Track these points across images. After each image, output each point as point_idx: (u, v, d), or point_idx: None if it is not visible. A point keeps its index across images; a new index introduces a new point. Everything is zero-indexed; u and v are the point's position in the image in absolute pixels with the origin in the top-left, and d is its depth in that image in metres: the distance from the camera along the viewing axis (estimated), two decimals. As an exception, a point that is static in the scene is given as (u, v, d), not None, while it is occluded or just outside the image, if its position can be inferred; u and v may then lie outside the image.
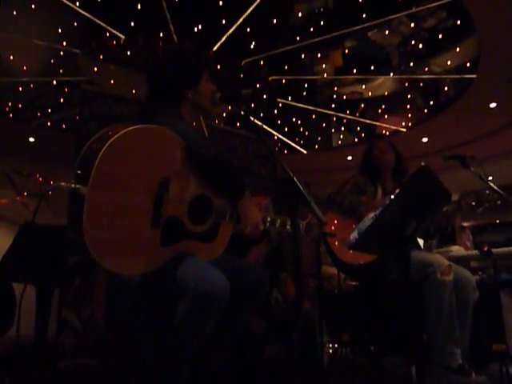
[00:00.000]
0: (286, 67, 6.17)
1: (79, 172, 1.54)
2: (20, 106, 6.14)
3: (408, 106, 6.92)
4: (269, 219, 1.91)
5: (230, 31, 5.31)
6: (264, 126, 6.92)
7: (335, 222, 2.64)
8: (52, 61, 5.50)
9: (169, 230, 1.64)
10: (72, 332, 3.06)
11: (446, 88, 6.49)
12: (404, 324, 2.20)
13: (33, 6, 4.76)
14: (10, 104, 6.09)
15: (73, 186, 1.49)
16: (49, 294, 3.72)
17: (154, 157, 1.63)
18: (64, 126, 6.51)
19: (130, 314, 1.79)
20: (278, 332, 2.83)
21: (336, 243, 2.59)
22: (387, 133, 7.39)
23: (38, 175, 7.29)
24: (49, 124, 6.49)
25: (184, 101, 1.89)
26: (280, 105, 6.92)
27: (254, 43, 5.55)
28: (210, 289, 1.53)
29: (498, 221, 8.12)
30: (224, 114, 5.54)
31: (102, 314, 2.71)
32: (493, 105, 6.32)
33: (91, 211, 1.47)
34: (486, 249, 3.64)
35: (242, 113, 1.89)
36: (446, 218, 2.70)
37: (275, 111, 7.00)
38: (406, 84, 6.58)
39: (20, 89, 5.82)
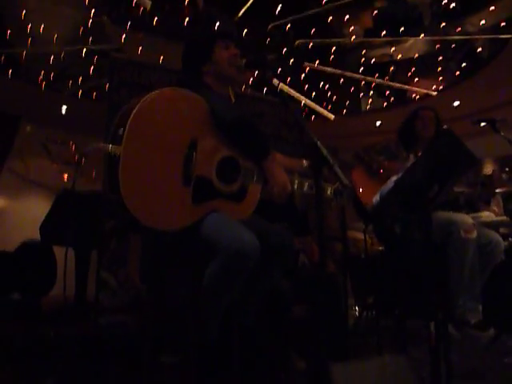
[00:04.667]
0: (313, 30, 6.04)
1: (115, 134, 1.63)
2: (52, 75, 6.26)
3: (439, 69, 6.71)
4: (296, 182, 1.96)
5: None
6: (291, 91, 6.85)
7: (359, 184, 2.68)
8: (81, 30, 5.57)
9: (199, 189, 1.72)
10: (110, 291, 3.23)
11: (479, 49, 6.25)
12: (426, 285, 2.25)
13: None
14: (42, 74, 6.21)
15: (110, 146, 1.59)
16: (87, 256, 3.93)
17: (183, 118, 1.72)
18: (95, 95, 6.63)
19: (163, 272, 1.90)
20: (304, 294, 2.92)
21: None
22: (417, 96, 7.21)
23: (70, 143, 7.51)
24: (80, 93, 6.61)
25: (204, 73, 1.97)
26: (307, 69, 6.82)
27: (280, 7, 5.45)
28: (241, 248, 1.60)
29: (530, 186, 7.90)
30: (251, 80, 5.53)
31: (137, 273, 2.86)
32: (529, 65, 6.07)
33: (126, 167, 1.57)
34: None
35: (266, 77, 1.93)
36: (478, 193, 2.73)
37: (302, 76, 6.90)
38: (438, 46, 6.35)
39: (52, 58, 5.93)
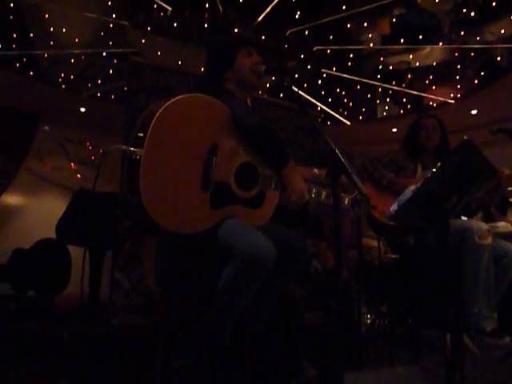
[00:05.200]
0: (331, 37, 6.06)
1: (137, 137, 1.65)
2: (72, 77, 6.36)
3: (457, 77, 6.66)
4: (314, 190, 1.96)
5: (275, 1, 5.26)
6: (308, 97, 6.86)
7: (373, 194, 2.65)
8: (102, 33, 5.65)
9: (218, 194, 1.73)
10: (123, 292, 3.25)
11: (498, 58, 6.19)
12: (442, 296, 2.23)
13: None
14: (62, 75, 6.31)
15: (131, 148, 1.61)
16: (101, 256, 3.97)
17: (204, 123, 1.73)
18: (113, 97, 6.71)
19: (178, 275, 1.91)
20: (316, 300, 2.92)
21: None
22: (434, 104, 7.15)
23: (87, 143, 7.62)
24: (99, 95, 6.70)
25: (225, 79, 1.99)
26: (324, 75, 6.82)
27: (298, 13, 5.47)
28: (257, 253, 1.60)
29: (549, 197, 7.77)
30: (268, 85, 5.55)
31: (151, 275, 2.88)
32: (548, 75, 5.99)
33: (147, 171, 1.59)
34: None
35: (286, 84, 1.94)
36: (489, 195, 2.69)
37: (319, 82, 6.91)
38: (456, 54, 6.30)
39: (72, 60, 6.02)
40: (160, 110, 1.62)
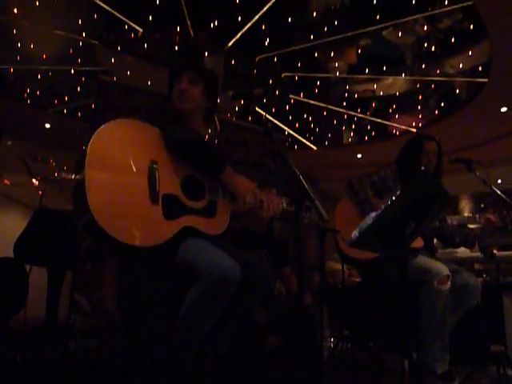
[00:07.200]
0: (299, 64, 6.22)
1: (77, 164, 1.67)
2: (38, 92, 6.26)
3: (419, 107, 6.93)
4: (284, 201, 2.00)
5: (246, 28, 5.38)
6: (276, 122, 6.98)
7: (344, 215, 2.66)
8: (71, 50, 5.62)
9: (169, 206, 1.74)
10: (82, 314, 3.17)
11: (457, 90, 6.49)
12: (400, 321, 2.27)
13: (55, -1, 4.88)
14: (28, 90, 6.21)
15: (72, 176, 1.62)
16: (60, 277, 3.84)
17: (138, 144, 1.78)
18: (79, 114, 6.63)
19: (140, 296, 1.88)
20: (280, 324, 2.92)
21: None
22: (397, 132, 7.40)
23: (51, 160, 7.44)
24: (65, 111, 6.61)
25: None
26: (292, 101, 6.97)
27: (268, 40, 5.61)
28: (223, 274, 1.61)
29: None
30: (236, 109, 5.62)
31: (112, 297, 2.81)
32: (504, 109, 6.32)
33: (92, 189, 1.58)
34: (494, 251, 3.68)
35: (251, 108, 1.98)
36: (474, 233, 2.73)
37: (287, 107, 7.05)
38: (418, 85, 6.58)
39: (39, 76, 5.94)
40: (94, 135, 1.66)
